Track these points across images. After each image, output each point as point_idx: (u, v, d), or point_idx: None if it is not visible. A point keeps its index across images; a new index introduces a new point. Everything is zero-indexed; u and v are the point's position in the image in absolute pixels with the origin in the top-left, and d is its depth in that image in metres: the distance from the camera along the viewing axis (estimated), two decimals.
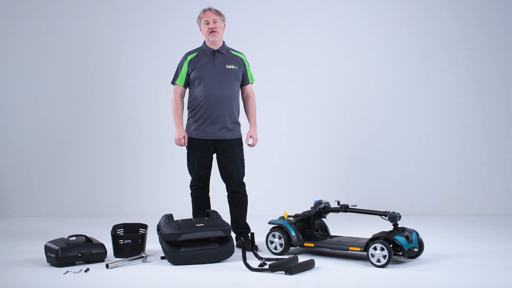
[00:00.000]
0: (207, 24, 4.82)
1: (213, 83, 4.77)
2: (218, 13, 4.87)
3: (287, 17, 6.75)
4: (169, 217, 4.51)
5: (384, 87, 6.76)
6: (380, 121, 6.75)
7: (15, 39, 6.65)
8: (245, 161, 4.96)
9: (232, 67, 4.84)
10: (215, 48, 4.85)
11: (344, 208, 4.60)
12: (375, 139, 6.75)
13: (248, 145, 4.96)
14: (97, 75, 6.70)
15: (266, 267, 4.12)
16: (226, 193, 4.95)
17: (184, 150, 5.00)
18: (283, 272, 4.00)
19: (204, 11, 4.87)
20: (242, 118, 4.98)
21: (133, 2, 6.72)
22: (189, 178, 4.96)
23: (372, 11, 6.75)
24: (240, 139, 4.94)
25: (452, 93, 6.73)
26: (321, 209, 4.67)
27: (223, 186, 4.97)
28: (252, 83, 5.03)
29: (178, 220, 4.46)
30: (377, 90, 6.76)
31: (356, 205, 4.64)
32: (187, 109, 4.93)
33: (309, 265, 4.13)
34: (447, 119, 6.74)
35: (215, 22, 4.82)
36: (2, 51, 6.66)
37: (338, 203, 4.67)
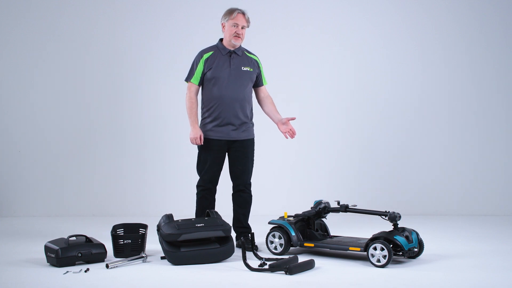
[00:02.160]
0: (235, 27, 4.77)
1: (228, 84, 4.77)
2: (248, 20, 4.83)
3: (287, 17, 6.75)
4: (169, 217, 4.51)
5: (384, 87, 6.76)
6: (380, 121, 6.75)
7: (15, 39, 6.65)
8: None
9: (248, 69, 4.85)
10: (232, 48, 4.85)
11: (344, 208, 4.60)
12: (375, 139, 6.75)
13: (291, 130, 4.88)
14: (97, 74, 6.70)
15: (266, 267, 4.12)
16: (231, 192, 4.96)
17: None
18: (283, 272, 4.01)
19: (238, 13, 4.78)
20: (255, 118, 4.98)
21: (133, 2, 6.72)
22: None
23: (372, 11, 6.75)
24: (253, 140, 4.94)
25: (452, 94, 6.74)
26: (321, 209, 4.67)
27: (224, 186, 4.97)
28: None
29: (178, 220, 4.46)
30: (377, 91, 6.76)
31: (356, 205, 4.64)
32: (201, 108, 4.92)
33: (309, 265, 4.13)
34: (447, 119, 6.74)
35: (243, 28, 4.81)
36: (2, 51, 6.66)
37: (338, 203, 4.67)
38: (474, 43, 6.72)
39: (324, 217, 4.74)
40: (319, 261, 4.31)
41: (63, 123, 6.68)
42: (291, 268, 3.98)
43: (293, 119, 4.88)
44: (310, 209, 4.72)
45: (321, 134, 6.77)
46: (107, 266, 4.20)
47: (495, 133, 6.71)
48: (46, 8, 6.66)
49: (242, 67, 4.83)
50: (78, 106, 6.69)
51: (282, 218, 4.73)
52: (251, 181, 4.96)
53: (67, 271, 4.10)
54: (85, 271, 4.10)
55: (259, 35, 6.67)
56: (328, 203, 4.73)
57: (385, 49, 6.76)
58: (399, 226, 4.37)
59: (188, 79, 4.86)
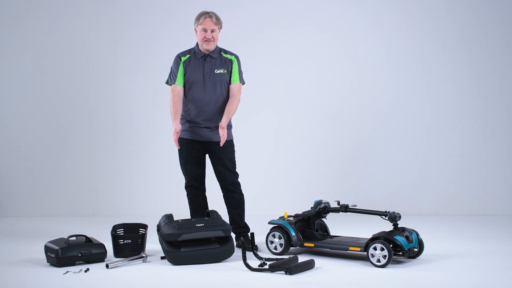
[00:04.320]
0: (204, 31, 4.80)
1: (202, 88, 4.79)
2: (218, 22, 4.83)
3: (287, 17, 6.74)
4: (169, 217, 4.51)
5: (384, 87, 6.76)
6: (380, 121, 6.75)
7: (15, 39, 6.65)
8: (236, 162, 4.95)
9: (221, 71, 4.84)
10: (206, 52, 4.85)
11: (344, 208, 4.60)
12: (375, 139, 6.75)
13: (222, 136, 4.71)
14: (97, 75, 6.69)
15: (266, 267, 4.12)
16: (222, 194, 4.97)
17: None
18: (283, 272, 4.01)
19: (205, 17, 4.80)
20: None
21: (133, 2, 6.71)
22: None
23: (372, 11, 6.74)
24: (231, 141, 4.93)
25: (452, 93, 6.73)
26: (321, 209, 4.67)
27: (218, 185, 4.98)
28: (243, 84, 4.95)
29: (178, 220, 4.47)
30: (376, 90, 6.75)
31: (356, 205, 4.64)
32: None
33: (309, 265, 4.13)
34: (447, 119, 6.74)
35: (213, 31, 4.80)
36: (2, 51, 6.65)
37: (338, 203, 4.68)
38: (474, 43, 6.71)
39: (324, 217, 4.74)
40: (319, 261, 4.31)
41: (63, 123, 6.68)
42: (291, 268, 3.99)
43: (223, 128, 4.70)
44: (310, 209, 4.72)
45: (322, 133, 6.76)
46: (107, 266, 4.20)
47: (496, 133, 6.70)
48: (46, 8, 6.65)
49: (216, 70, 4.82)
50: (78, 106, 6.68)
51: (282, 218, 4.73)
52: (245, 180, 4.95)
53: (67, 271, 4.10)
54: (85, 271, 4.10)
55: (259, 35, 6.69)
56: (328, 203, 4.73)
57: (385, 49, 6.75)
58: (399, 226, 4.37)
59: (172, 82, 4.90)
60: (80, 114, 6.69)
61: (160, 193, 6.65)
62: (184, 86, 4.87)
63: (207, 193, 5.05)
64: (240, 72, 4.93)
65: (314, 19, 6.74)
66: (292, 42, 6.73)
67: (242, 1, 6.71)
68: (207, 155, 4.97)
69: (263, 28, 6.72)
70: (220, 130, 4.71)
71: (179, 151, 4.93)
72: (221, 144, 4.73)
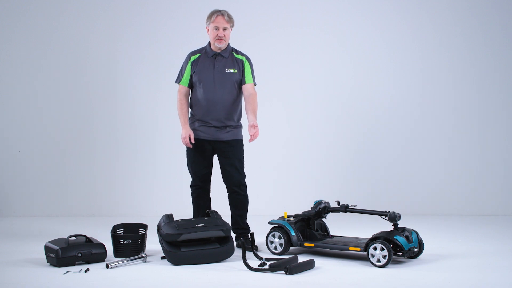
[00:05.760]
0: (216, 29, 4.77)
1: (212, 87, 4.78)
2: (230, 20, 4.80)
3: (287, 17, 6.74)
4: (169, 217, 4.51)
5: (384, 87, 6.76)
6: (381, 121, 6.75)
7: (15, 39, 6.64)
8: (244, 162, 4.94)
9: (232, 71, 4.83)
10: (218, 51, 4.85)
11: (344, 208, 4.60)
12: (375, 139, 6.75)
13: (251, 136, 4.69)
14: (96, 75, 6.69)
15: (266, 267, 4.12)
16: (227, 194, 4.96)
17: (185, 150, 4.99)
18: (283, 272, 4.01)
19: (217, 15, 4.78)
20: (244, 119, 4.95)
21: (133, 2, 6.71)
22: (190, 178, 4.97)
23: (374, 11, 6.74)
24: (240, 140, 4.93)
25: (452, 93, 6.73)
26: (321, 209, 4.67)
27: (223, 186, 4.97)
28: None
29: (178, 220, 4.47)
30: (377, 90, 6.76)
31: (356, 205, 4.64)
32: (190, 107, 4.95)
33: (309, 265, 4.14)
34: (448, 119, 6.74)
35: (225, 29, 4.78)
36: (2, 51, 6.65)
37: (338, 203, 4.68)
38: (474, 43, 6.71)
39: (324, 217, 4.74)
40: (319, 261, 4.31)
41: (62, 123, 6.68)
42: (291, 268, 3.99)
43: (255, 126, 4.67)
44: (310, 209, 4.72)
45: (322, 133, 6.76)
46: (107, 266, 4.20)
47: (495, 133, 6.70)
48: (46, 8, 6.65)
49: (226, 70, 4.81)
50: (78, 106, 6.68)
51: (282, 218, 4.73)
52: (246, 181, 4.93)
53: (67, 271, 4.10)
54: (85, 271, 4.10)
55: (259, 35, 6.69)
56: (328, 203, 4.73)
57: (386, 49, 6.75)
58: (399, 226, 4.37)
59: (177, 81, 4.92)
60: (80, 114, 6.69)
61: (160, 193, 6.66)
62: (194, 85, 4.86)
63: (211, 194, 5.04)
64: (253, 74, 4.92)
65: (319, 19, 6.73)
66: (299, 43, 6.72)
67: (242, 2, 6.69)
68: (215, 157, 4.95)
69: (263, 28, 6.71)
70: (251, 129, 4.65)
71: (187, 149, 4.92)
72: (250, 141, 4.71)
